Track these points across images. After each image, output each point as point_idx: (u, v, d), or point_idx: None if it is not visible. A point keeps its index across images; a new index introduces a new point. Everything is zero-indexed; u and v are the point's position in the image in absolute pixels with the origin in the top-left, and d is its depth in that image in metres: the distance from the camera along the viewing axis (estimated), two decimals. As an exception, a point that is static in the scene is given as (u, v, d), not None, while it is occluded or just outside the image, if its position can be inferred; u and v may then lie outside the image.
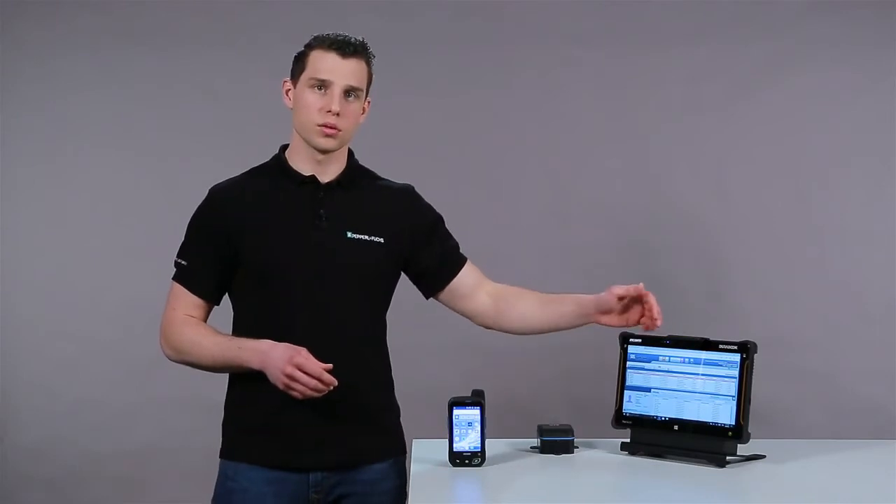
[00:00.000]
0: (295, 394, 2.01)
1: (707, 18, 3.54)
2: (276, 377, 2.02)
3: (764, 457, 2.28)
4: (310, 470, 2.12)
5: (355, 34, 2.19)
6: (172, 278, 2.20)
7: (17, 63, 3.52)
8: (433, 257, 2.26)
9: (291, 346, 2.02)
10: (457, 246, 2.33)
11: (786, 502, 2.04)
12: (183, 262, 2.19)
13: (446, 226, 2.33)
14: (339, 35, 2.14)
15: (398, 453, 2.24)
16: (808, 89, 3.53)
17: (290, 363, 2.00)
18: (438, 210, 2.32)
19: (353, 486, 2.15)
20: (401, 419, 2.27)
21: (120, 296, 3.50)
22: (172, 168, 3.51)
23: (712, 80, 3.54)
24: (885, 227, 3.52)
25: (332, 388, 2.00)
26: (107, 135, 3.54)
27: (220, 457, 2.19)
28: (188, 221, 2.21)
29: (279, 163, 2.20)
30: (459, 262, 2.31)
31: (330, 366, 2.00)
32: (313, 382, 1.99)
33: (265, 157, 2.23)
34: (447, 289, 2.29)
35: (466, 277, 2.30)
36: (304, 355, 2.00)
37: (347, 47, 2.12)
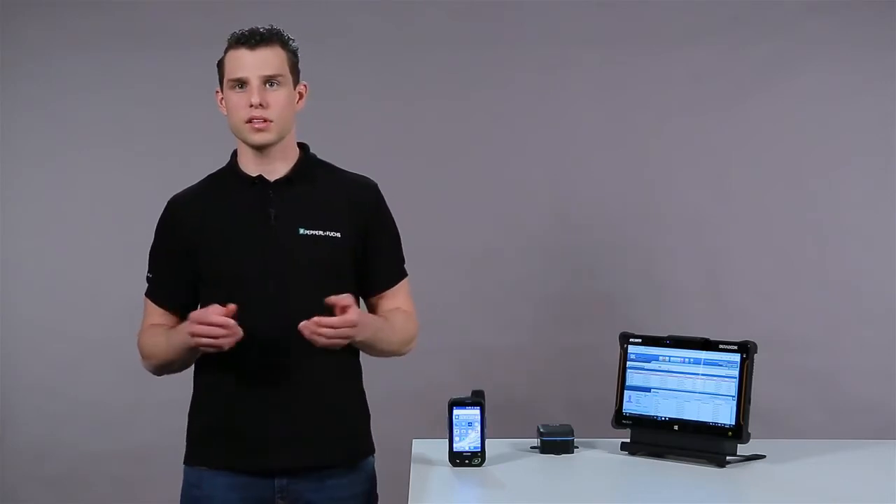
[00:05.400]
0: (208, 349, 1.97)
1: (707, 18, 3.54)
2: (189, 339, 1.99)
3: (764, 457, 2.29)
4: (274, 474, 2.10)
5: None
6: (144, 294, 2.21)
7: (18, 63, 3.52)
8: (378, 262, 2.20)
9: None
10: (402, 259, 2.27)
11: (786, 502, 2.04)
12: (150, 276, 2.21)
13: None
14: (249, 29, 2.12)
15: (365, 455, 2.21)
16: (808, 89, 3.53)
17: (191, 320, 1.98)
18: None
19: (320, 492, 2.12)
20: (370, 422, 2.23)
21: (120, 296, 3.48)
22: (172, 168, 3.49)
23: (712, 80, 3.54)
24: (885, 227, 3.52)
25: (240, 335, 1.95)
26: (107, 135, 3.54)
27: (184, 463, 2.17)
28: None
29: (231, 167, 2.19)
30: (398, 275, 2.25)
31: (233, 307, 1.96)
32: (216, 330, 1.95)
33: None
34: (371, 299, 2.24)
35: (391, 298, 2.23)
36: (206, 309, 1.97)
37: (254, 38, 2.10)
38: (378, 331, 2.14)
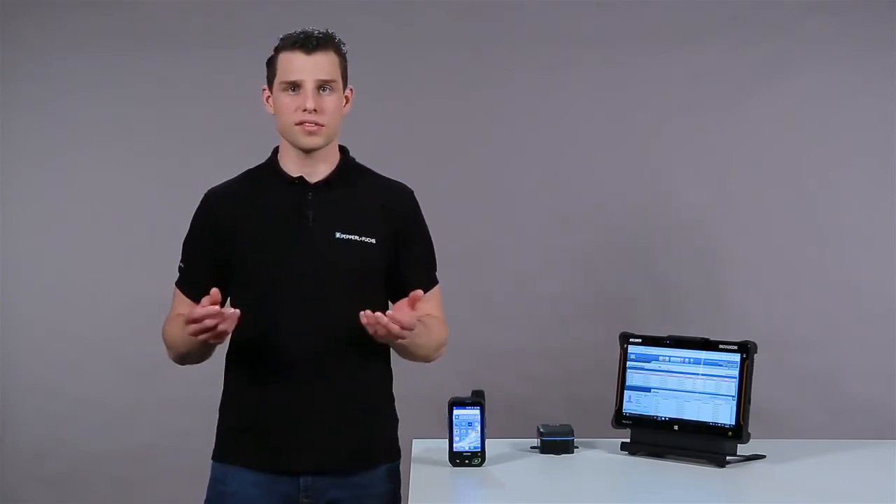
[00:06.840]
0: (216, 341, 1.97)
1: (707, 19, 3.54)
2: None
3: (764, 457, 2.29)
4: (299, 473, 2.11)
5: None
6: (175, 283, 2.22)
7: (18, 63, 3.52)
8: (410, 268, 2.20)
9: None
10: (434, 267, 2.27)
11: (786, 502, 2.05)
12: (182, 266, 2.21)
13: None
14: (303, 32, 2.11)
15: (390, 459, 2.20)
16: (808, 89, 3.53)
17: (185, 321, 1.96)
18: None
19: (343, 490, 2.13)
20: (397, 428, 2.23)
21: (120, 296, 3.50)
22: (172, 168, 3.51)
23: (712, 80, 3.54)
24: (885, 227, 3.51)
25: (236, 316, 1.94)
26: (107, 135, 3.54)
27: (212, 459, 2.19)
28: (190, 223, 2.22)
29: (271, 165, 2.19)
30: (430, 282, 2.24)
31: (216, 291, 1.94)
32: (207, 323, 1.92)
33: (265, 158, 2.23)
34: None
35: (422, 306, 2.17)
36: (192, 310, 1.95)
37: (310, 42, 2.09)
38: (417, 335, 2.12)
